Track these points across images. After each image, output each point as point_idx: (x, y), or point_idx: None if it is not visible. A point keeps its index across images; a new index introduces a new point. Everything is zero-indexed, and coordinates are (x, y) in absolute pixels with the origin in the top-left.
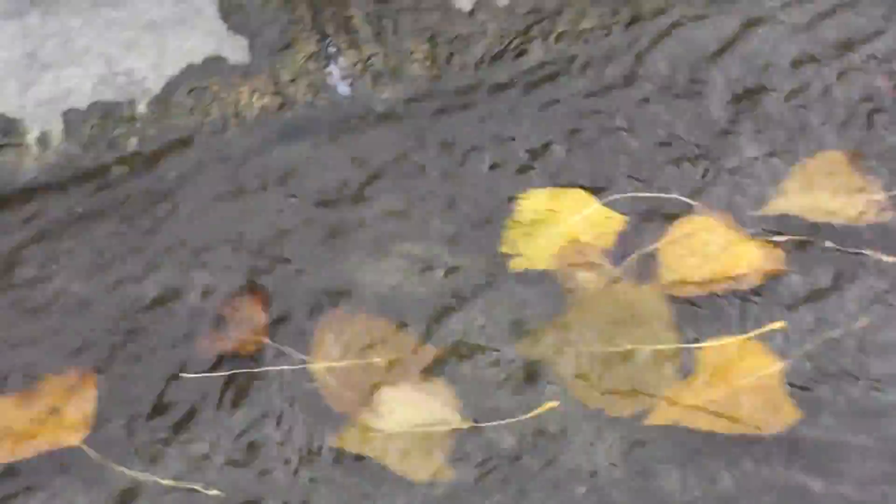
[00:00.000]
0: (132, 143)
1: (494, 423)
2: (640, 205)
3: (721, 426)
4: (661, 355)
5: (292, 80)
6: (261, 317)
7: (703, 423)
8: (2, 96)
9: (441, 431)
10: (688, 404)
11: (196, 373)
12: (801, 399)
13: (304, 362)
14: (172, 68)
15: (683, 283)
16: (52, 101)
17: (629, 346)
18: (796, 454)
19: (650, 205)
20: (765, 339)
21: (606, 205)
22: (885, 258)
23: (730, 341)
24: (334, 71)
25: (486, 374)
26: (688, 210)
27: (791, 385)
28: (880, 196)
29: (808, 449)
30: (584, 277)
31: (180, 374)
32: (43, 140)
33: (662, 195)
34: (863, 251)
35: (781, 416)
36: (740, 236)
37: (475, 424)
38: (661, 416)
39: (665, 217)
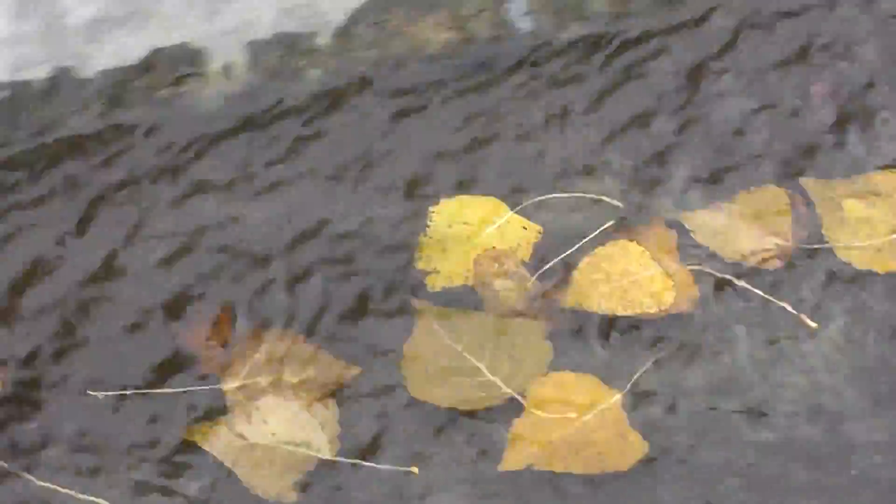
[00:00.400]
0: (314, 76)
1: (351, 461)
2: (562, 210)
3: (576, 466)
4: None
5: (473, 15)
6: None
7: (557, 464)
8: (185, 26)
9: (303, 454)
10: (540, 444)
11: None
12: (645, 431)
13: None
14: (355, 0)
15: (587, 307)
16: (235, 32)
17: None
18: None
19: (572, 210)
20: (601, 371)
21: (520, 212)
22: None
23: (564, 374)
24: (515, 5)
25: (372, 406)
26: (614, 215)
27: (634, 417)
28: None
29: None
30: (502, 285)
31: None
32: (226, 70)
33: (585, 195)
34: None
35: (631, 450)
36: (662, 267)
37: (334, 459)
38: (514, 459)
39: (586, 224)
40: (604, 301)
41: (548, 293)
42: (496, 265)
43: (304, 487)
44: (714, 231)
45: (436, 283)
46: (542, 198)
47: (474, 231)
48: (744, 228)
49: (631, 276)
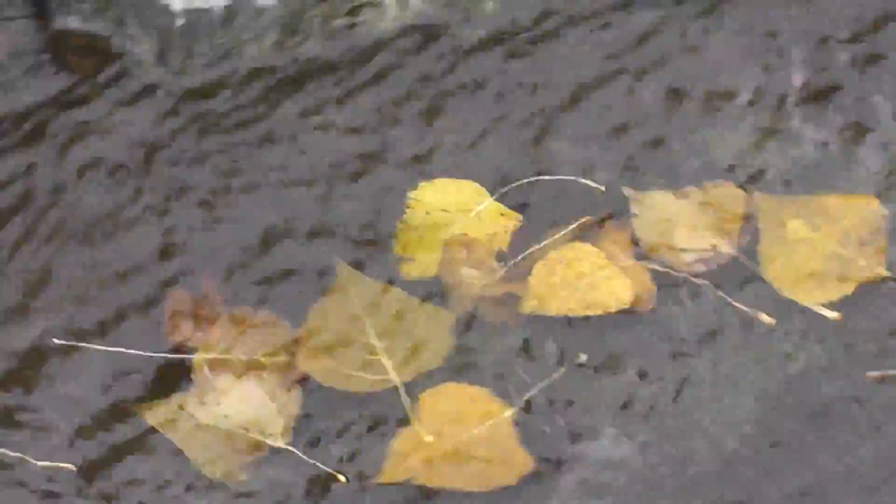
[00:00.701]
0: (489, 7)
1: (298, 453)
2: (543, 195)
3: (457, 481)
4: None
5: None
6: None
7: (437, 479)
8: None
9: (256, 439)
10: (420, 458)
11: None
12: (533, 447)
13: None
14: None
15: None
16: None
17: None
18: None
19: (555, 194)
20: (496, 383)
21: (500, 199)
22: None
23: (451, 386)
24: None
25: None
26: (592, 201)
27: (522, 433)
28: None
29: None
30: (468, 274)
31: None
32: (401, 1)
33: (566, 177)
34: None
35: (515, 467)
36: (616, 270)
37: (287, 447)
38: (393, 472)
39: (568, 209)
40: (563, 304)
41: (512, 288)
42: (465, 253)
43: (253, 472)
44: (657, 218)
45: (410, 272)
46: (523, 182)
47: (451, 218)
48: (689, 222)
49: (587, 278)
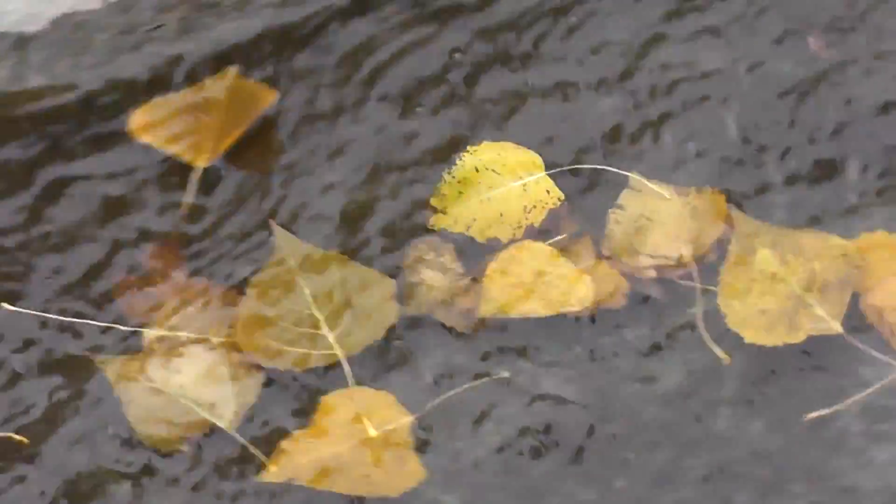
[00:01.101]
0: None
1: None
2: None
3: (341, 485)
4: None
5: None
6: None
7: (324, 481)
8: None
9: (201, 417)
10: (309, 459)
11: None
12: (427, 458)
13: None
14: None
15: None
16: None
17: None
18: None
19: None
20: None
21: (553, 175)
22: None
23: (356, 390)
24: None
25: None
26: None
27: (418, 441)
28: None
29: None
30: (430, 276)
31: None
32: None
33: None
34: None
35: (405, 476)
36: (573, 268)
37: (231, 432)
38: (278, 471)
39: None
40: (521, 304)
41: (464, 294)
42: (431, 254)
43: (191, 449)
44: (638, 215)
45: (437, 224)
46: (576, 167)
47: (498, 181)
48: (669, 225)
49: (544, 277)
